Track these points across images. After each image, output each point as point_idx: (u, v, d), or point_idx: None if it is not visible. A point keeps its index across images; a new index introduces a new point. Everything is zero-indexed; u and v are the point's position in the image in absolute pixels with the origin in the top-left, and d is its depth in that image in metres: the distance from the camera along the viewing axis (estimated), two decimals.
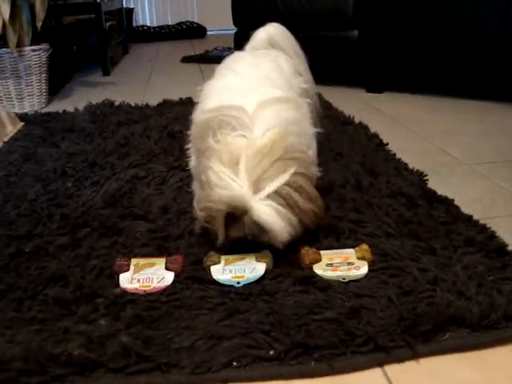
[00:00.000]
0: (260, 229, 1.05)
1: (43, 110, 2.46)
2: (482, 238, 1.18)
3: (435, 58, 2.46)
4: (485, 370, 0.86)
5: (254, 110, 1.16)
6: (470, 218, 1.28)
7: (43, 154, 1.79)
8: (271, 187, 1.04)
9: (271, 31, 1.61)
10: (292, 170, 1.07)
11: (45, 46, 2.52)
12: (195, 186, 1.31)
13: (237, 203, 1.03)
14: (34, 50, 2.44)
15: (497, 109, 2.32)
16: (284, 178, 1.05)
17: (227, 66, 1.45)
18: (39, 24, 2.46)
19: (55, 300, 0.99)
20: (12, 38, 2.33)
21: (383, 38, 2.58)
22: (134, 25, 5.34)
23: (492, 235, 1.19)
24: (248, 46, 1.64)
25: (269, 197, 1.03)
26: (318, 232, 1.22)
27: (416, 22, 2.47)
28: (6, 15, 2.27)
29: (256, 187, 1.03)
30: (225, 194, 1.03)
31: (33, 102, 2.51)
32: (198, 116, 1.28)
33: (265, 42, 1.61)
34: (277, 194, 1.04)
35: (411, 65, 2.57)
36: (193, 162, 1.35)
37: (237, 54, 1.55)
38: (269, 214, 1.03)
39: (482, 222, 1.26)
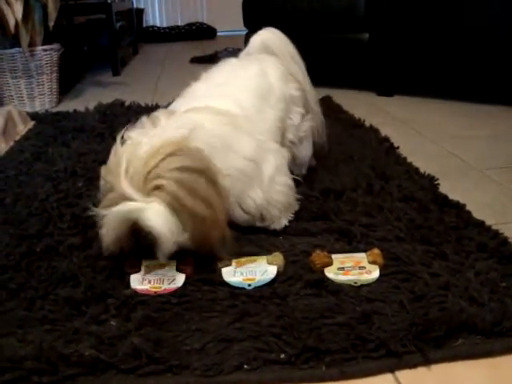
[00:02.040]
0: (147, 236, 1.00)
1: (54, 110, 2.47)
2: (495, 243, 1.17)
3: (447, 61, 2.45)
4: (497, 378, 0.85)
5: (177, 115, 1.14)
6: (481, 223, 1.27)
7: (54, 154, 1.79)
8: (153, 183, 0.98)
9: (265, 36, 1.58)
10: (180, 164, 1.00)
11: (56, 45, 2.54)
12: None
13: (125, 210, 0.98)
14: (45, 50, 2.45)
15: (509, 114, 2.30)
16: (170, 172, 0.99)
17: (208, 72, 1.45)
18: (51, 24, 2.47)
19: (66, 300, 0.99)
20: (24, 38, 2.34)
21: (394, 41, 2.57)
22: (144, 25, 5.35)
23: (505, 241, 1.18)
24: (243, 52, 1.61)
25: (154, 196, 0.98)
26: (330, 235, 1.21)
27: (427, 25, 2.46)
28: (19, 15, 2.28)
29: (142, 187, 0.99)
30: (110, 197, 1.01)
31: (44, 101, 2.52)
32: None
33: (259, 48, 1.57)
34: (165, 193, 0.99)
35: (422, 68, 2.56)
36: None
37: (225, 61, 1.51)
38: (152, 215, 0.97)
39: (494, 227, 1.25)
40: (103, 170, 1.08)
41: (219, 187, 1.06)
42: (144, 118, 1.14)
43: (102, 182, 1.09)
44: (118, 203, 0.98)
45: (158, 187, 0.99)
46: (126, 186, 0.98)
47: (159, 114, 1.15)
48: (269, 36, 1.58)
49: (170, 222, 0.98)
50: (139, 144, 1.04)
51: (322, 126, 1.60)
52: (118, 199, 0.99)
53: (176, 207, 0.99)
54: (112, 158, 1.05)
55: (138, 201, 0.98)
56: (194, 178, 1.01)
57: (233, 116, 1.20)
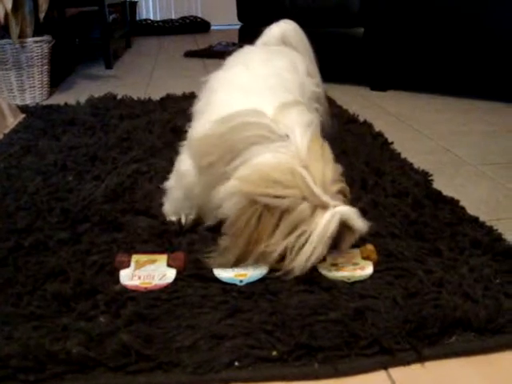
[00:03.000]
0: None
1: (44, 103, 2.44)
2: (489, 239, 1.16)
3: (441, 56, 2.44)
4: (491, 375, 0.84)
5: (275, 115, 1.09)
6: (476, 219, 1.26)
7: (44, 147, 1.77)
8: (337, 189, 1.04)
9: (284, 28, 1.56)
10: (339, 169, 1.07)
11: (47, 37, 2.50)
12: (178, 195, 1.23)
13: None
14: (36, 42, 2.42)
15: (504, 109, 2.30)
16: (340, 178, 1.06)
17: (237, 59, 1.40)
18: (42, 15, 2.44)
19: (54, 296, 0.97)
20: (14, 29, 2.31)
21: (389, 36, 2.56)
22: (138, 18, 5.31)
23: (499, 237, 1.18)
24: (259, 41, 1.59)
25: (339, 200, 1.02)
26: None
27: (422, 19, 2.45)
28: (9, 5, 2.24)
29: (330, 193, 1.01)
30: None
31: (34, 93, 2.49)
32: (204, 126, 1.13)
33: (277, 39, 1.55)
34: (343, 196, 1.06)
35: (417, 63, 2.55)
36: (189, 179, 1.17)
37: (248, 48, 1.49)
38: (356, 216, 1.02)
39: (488, 223, 1.24)
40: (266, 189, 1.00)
41: None
42: (257, 131, 1.06)
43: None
44: (315, 211, 0.99)
45: (339, 192, 1.04)
46: (322, 195, 0.99)
47: (259, 120, 1.07)
48: (287, 28, 1.57)
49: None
50: (297, 155, 1.02)
51: (329, 120, 1.60)
52: (312, 209, 0.99)
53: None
54: (279, 176, 1.00)
55: (334, 206, 1.00)
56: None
57: (304, 104, 1.24)
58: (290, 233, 0.99)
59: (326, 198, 0.99)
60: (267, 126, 1.05)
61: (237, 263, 1.04)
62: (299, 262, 0.99)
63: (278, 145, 1.03)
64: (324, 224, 0.98)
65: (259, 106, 1.09)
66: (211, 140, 1.08)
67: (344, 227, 1.01)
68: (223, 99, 1.20)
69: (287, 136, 1.05)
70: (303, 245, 0.99)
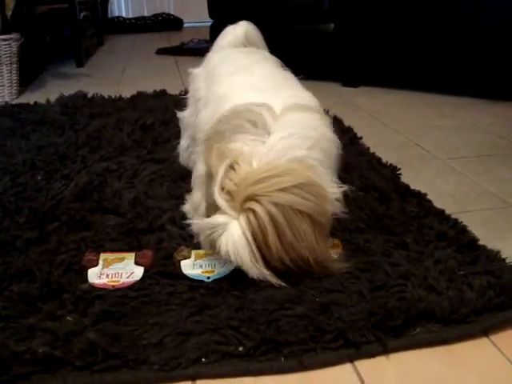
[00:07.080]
0: None
1: (14, 102, 2.41)
2: (454, 232, 1.18)
3: (412, 52, 2.47)
4: (454, 365, 0.86)
5: (280, 112, 1.06)
6: (442, 212, 1.28)
7: (12, 146, 1.74)
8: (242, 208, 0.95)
9: (248, 28, 1.57)
10: (286, 201, 0.94)
11: (16, 35, 2.47)
12: (196, 196, 1.20)
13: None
14: (4, 40, 2.38)
15: (472, 105, 2.33)
16: (272, 205, 0.94)
17: (236, 64, 1.36)
18: (9, 13, 2.41)
19: (20, 296, 0.96)
20: None
21: (359, 32, 2.58)
22: (110, 16, 5.25)
23: (463, 230, 1.20)
24: (224, 42, 1.56)
25: (244, 217, 0.95)
26: None
27: (392, 15, 2.47)
28: None
29: (238, 205, 0.95)
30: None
31: (3, 92, 2.46)
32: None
33: (243, 39, 1.55)
34: (256, 220, 0.94)
35: (388, 59, 2.57)
36: (200, 169, 1.17)
37: (233, 53, 1.47)
38: (227, 240, 0.95)
39: (453, 216, 1.26)
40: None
41: (323, 229, 1.01)
42: (246, 116, 1.04)
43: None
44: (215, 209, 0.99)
45: (252, 210, 0.94)
46: (220, 200, 0.96)
47: (261, 113, 1.04)
48: (250, 28, 1.57)
49: (241, 250, 0.95)
50: (248, 158, 0.98)
51: None
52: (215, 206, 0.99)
53: (258, 238, 0.95)
54: (214, 162, 0.99)
55: (227, 214, 0.95)
56: (291, 221, 0.95)
57: (317, 108, 1.22)
58: None
59: (222, 204, 0.96)
60: (254, 119, 1.03)
61: None
62: None
63: (250, 138, 1.01)
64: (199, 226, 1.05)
65: (271, 103, 1.07)
66: (210, 132, 1.10)
67: None
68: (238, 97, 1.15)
69: (269, 134, 1.01)
70: None
